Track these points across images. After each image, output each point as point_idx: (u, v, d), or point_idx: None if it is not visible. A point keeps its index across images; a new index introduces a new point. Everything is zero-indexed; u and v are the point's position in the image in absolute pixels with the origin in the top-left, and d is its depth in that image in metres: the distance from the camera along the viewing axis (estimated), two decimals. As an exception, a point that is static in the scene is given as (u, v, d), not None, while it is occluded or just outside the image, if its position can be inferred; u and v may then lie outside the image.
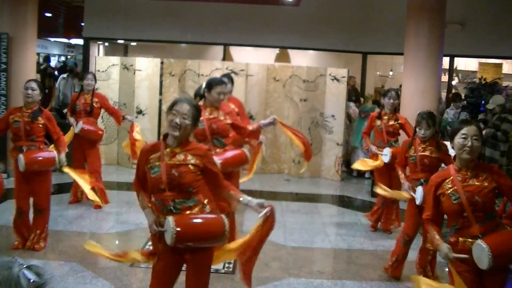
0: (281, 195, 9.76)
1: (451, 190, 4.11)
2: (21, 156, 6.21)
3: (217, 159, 5.49)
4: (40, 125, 6.41)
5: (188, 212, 3.89)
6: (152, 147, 4.06)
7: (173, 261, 4.00)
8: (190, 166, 3.89)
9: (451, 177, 4.15)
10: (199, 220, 3.92)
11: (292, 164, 11.44)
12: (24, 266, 1.83)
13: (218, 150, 5.94)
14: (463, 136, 4.10)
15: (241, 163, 6.28)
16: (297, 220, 8.31)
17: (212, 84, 6.01)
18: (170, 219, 3.78)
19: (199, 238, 3.92)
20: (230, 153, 6.04)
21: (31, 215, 6.56)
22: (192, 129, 4.01)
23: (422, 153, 6.05)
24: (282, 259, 6.68)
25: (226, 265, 6.28)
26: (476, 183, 4.08)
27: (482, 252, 3.93)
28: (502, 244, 4.00)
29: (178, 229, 3.75)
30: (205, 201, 4.01)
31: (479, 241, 3.98)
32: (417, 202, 5.89)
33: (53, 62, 25.26)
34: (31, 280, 1.80)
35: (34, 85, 6.44)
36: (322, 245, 7.36)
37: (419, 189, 5.88)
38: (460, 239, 4.13)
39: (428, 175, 6.05)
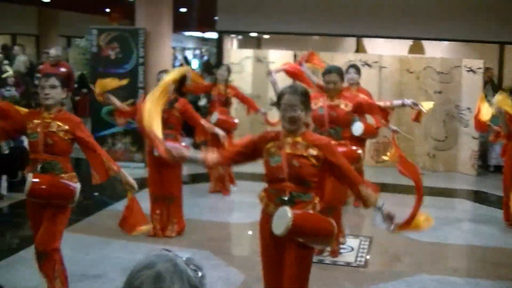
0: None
1: None
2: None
3: None
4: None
5: (301, 206, 3.85)
6: (275, 134, 4.03)
7: (275, 254, 3.98)
8: (311, 158, 3.85)
9: None
10: (314, 217, 3.90)
11: (427, 157, 11.19)
12: (184, 259, 1.76)
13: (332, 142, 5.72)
14: None
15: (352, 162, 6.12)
16: (432, 215, 8.10)
17: (323, 73, 6.09)
18: (287, 209, 3.72)
19: (311, 234, 3.88)
20: (340, 149, 5.67)
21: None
22: (307, 115, 3.96)
23: None
24: (414, 254, 6.56)
25: (358, 258, 6.27)
26: None
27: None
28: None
29: (294, 214, 3.70)
30: (317, 200, 3.97)
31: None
32: None
33: (189, 56, 26.21)
34: (198, 274, 1.76)
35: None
36: (456, 241, 7.19)
37: None
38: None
39: None
